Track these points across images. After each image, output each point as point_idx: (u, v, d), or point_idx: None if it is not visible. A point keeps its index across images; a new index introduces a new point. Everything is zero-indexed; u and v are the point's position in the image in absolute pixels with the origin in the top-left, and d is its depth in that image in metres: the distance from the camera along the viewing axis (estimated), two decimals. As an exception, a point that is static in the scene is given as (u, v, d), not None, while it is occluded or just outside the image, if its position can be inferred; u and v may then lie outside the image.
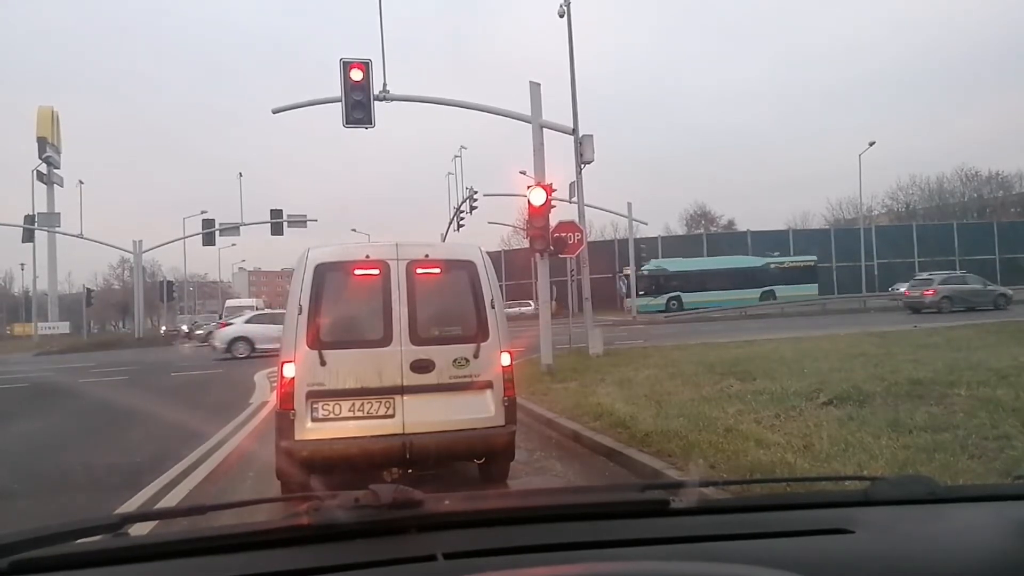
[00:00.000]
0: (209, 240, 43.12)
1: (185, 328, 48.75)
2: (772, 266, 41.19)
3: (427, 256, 5.63)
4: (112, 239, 49.05)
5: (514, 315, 32.20)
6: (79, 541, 1.44)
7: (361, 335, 5.49)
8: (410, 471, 5.50)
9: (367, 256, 5.57)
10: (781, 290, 39.54)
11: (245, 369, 18.39)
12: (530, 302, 34.54)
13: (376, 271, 5.48)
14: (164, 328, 49.39)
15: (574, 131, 15.27)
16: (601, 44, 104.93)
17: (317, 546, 1.37)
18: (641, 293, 37.67)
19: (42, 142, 41.75)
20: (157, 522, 2.88)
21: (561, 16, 16.36)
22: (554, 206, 15.02)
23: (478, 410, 5.45)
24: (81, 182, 42.85)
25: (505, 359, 5.58)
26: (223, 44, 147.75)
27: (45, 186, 42.58)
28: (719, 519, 1.61)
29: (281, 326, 5.93)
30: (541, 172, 14.10)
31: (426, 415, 5.31)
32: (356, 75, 14.43)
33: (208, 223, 42.59)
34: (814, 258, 42.70)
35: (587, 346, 15.44)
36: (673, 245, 50.64)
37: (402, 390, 5.32)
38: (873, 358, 11.22)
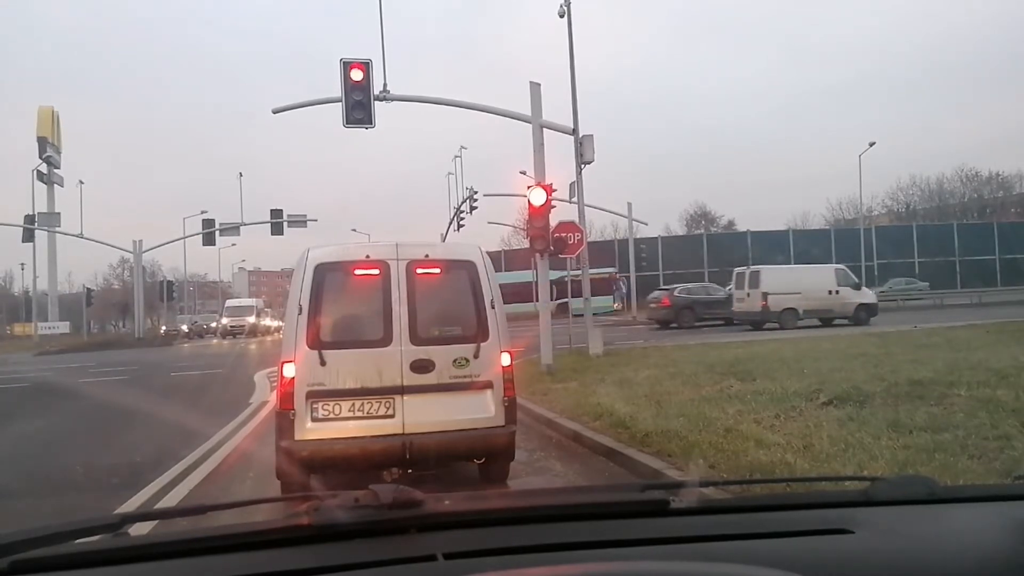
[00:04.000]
0: (209, 240, 43.15)
1: (185, 328, 48.75)
2: (566, 279, 41.35)
3: (427, 256, 5.63)
4: (112, 239, 49.00)
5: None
6: (79, 541, 1.44)
7: (361, 335, 5.49)
8: (410, 471, 5.50)
9: (367, 256, 5.57)
10: (576, 302, 39.67)
11: (245, 369, 18.41)
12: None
13: (376, 271, 5.48)
14: (164, 328, 49.39)
15: (574, 131, 15.27)
16: (602, 45, 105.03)
17: (317, 546, 1.37)
18: None
19: (42, 142, 41.78)
20: (157, 522, 2.88)
21: (561, 16, 16.36)
22: (554, 206, 15.05)
23: (478, 410, 5.45)
24: (81, 182, 42.88)
25: (505, 359, 5.58)
26: (224, 44, 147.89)
27: (45, 186, 42.60)
28: (719, 519, 1.61)
29: None
30: (541, 172, 14.11)
31: (426, 415, 5.31)
32: (356, 75, 14.44)
33: (208, 223, 42.62)
34: (613, 269, 42.69)
35: (587, 346, 15.44)
36: (673, 245, 50.59)
37: (402, 390, 5.32)
38: (873, 358, 11.22)
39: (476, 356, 5.48)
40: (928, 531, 1.52)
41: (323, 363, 5.24)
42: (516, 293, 41.50)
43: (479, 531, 1.47)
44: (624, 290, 37.17)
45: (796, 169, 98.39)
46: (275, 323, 48.07)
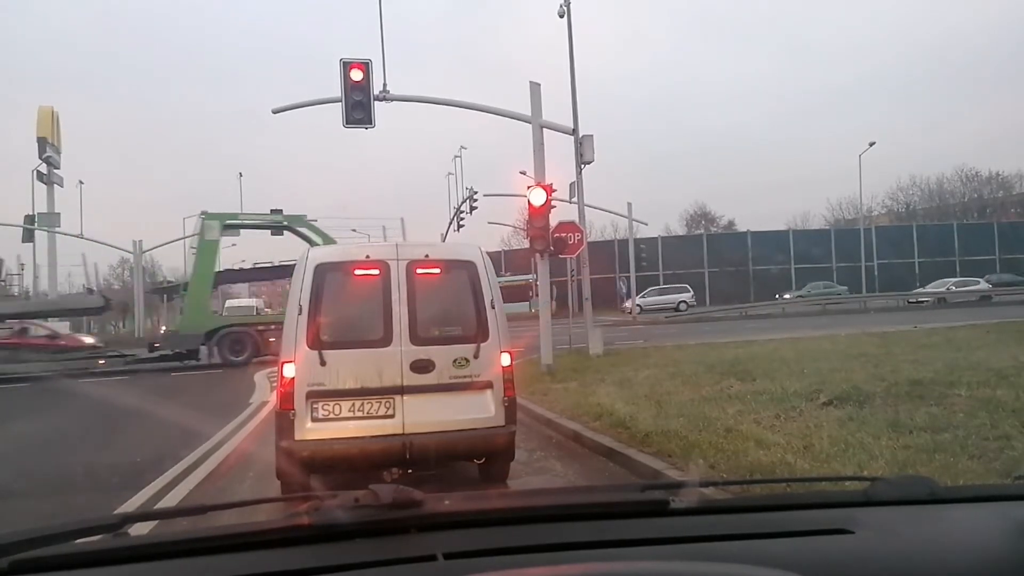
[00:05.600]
0: (209, 240, 43.08)
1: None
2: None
3: (427, 256, 5.63)
4: (112, 239, 49.08)
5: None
6: (79, 541, 1.44)
7: (361, 335, 5.49)
8: (410, 471, 5.50)
9: (367, 256, 5.58)
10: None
11: (245, 369, 18.41)
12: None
13: (376, 271, 5.48)
14: (164, 328, 49.36)
15: (574, 131, 15.27)
16: (602, 45, 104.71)
17: (317, 546, 1.37)
18: None
19: (42, 142, 41.77)
20: (157, 522, 2.88)
21: (561, 16, 16.37)
22: (554, 206, 15.05)
23: (478, 410, 5.45)
24: (81, 182, 42.88)
25: (505, 359, 5.57)
26: (224, 43, 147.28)
27: (45, 186, 42.58)
28: (719, 519, 1.61)
29: None
30: (541, 172, 14.11)
31: (426, 415, 5.31)
32: (356, 75, 14.43)
33: (208, 223, 42.56)
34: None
35: (587, 346, 15.45)
36: (673, 245, 50.61)
37: (402, 390, 5.32)
38: (873, 358, 11.21)
39: (476, 356, 5.48)
40: (928, 531, 1.52)
41: (323, 363, 5.24)
42: None
43: (479, 531, 1.47)
44: (625, 290, 37.16)
45: (796, 169, 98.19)
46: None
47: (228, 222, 22.26)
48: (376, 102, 14.67)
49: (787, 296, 40.34)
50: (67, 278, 68.27)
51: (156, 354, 20.47)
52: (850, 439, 5.91)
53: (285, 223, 23.18)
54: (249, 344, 20.19)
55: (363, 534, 1.40)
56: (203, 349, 20.48)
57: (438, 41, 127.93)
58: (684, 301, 39.73)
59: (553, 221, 14.39)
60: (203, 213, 20.95)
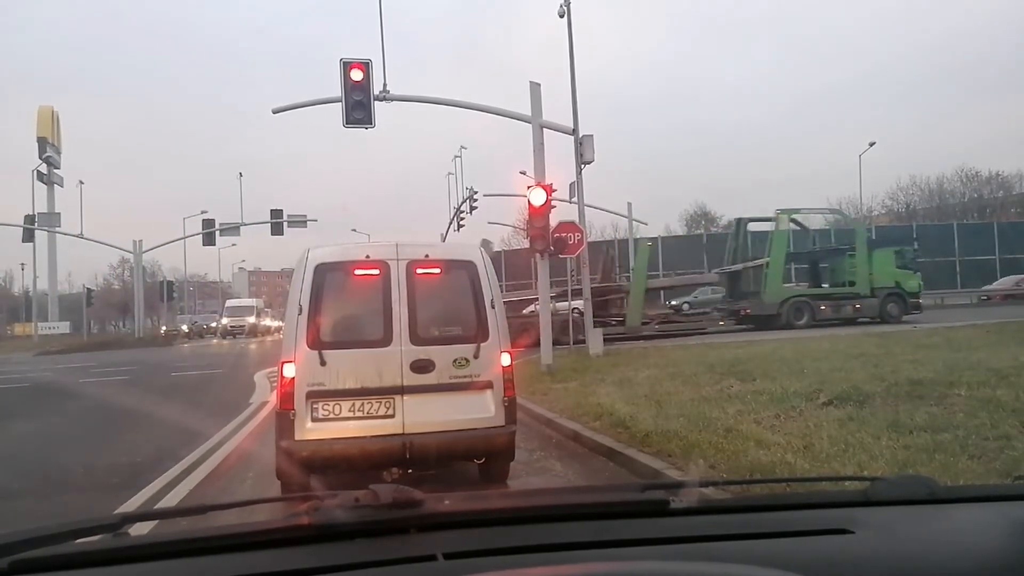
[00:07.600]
0: (209, 240, 43.27)
1: (185, 328, 48.77)
2: None
3: (427, 256, 5.63)
4: (112, 239, 49.14)
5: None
6: (79, 541, 1.44)
7: (361, 335, 5.49)
8: (410, 471, 5.51)
9: (367, 256, 5.57)
10: None
11: (245, 369, 18.41)
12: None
13: (376, 271, 5.48)
14: (164, 328, 49.42)
15: (574, 131, 15.29)
16: (602, 45, 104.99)
17: (317, 546, 1.37)
18: None
19: (42, 142, 41.91)
20: (157, 522, 2.88)
21: (561, 16, 16.39)
22: (554, 206, 15.06)
23: (478, 410, 5.45)
24: (81, 182, 43.01)
25: (505, 359, 5.57)
26: (225, 44, 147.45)
27: (45, 186, 42.73)
28: (719, 519, 1.61)
29: None
30: (541, 172, 14.12)
31: (426, 415, 5.31)
32: (356, 75, 14.46)
33: (208, 223, 42.73)
34: None
35: (587, 346, 15.45)
36: (673, 245, 50.56)
37: (402, 390, 5.32)
38: (873, 358, 11.20)
39: (476, 356, 5.48)
40: (928, 531, 1.52)
41: (323, 363, 5.24)
42: None
43: (479, 531, 1.47)
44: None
45: (796, 169, 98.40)
46: (275, 323, 48.09)
47: (793, 216, 28.46)
48: (376, 102, 14.71)
49: (674, 303, 39.22)
50: (67, 277, 68.38)
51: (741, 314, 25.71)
52: (850, 439, 5.91)
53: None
54: (806, 311, 24.91)
55: (363, 534, 1.40)
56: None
57: (439, 41, 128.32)
58: (577, 308, 40.02)
59: (553, 221, 14.40)
60: (778, 210, 26.78)
